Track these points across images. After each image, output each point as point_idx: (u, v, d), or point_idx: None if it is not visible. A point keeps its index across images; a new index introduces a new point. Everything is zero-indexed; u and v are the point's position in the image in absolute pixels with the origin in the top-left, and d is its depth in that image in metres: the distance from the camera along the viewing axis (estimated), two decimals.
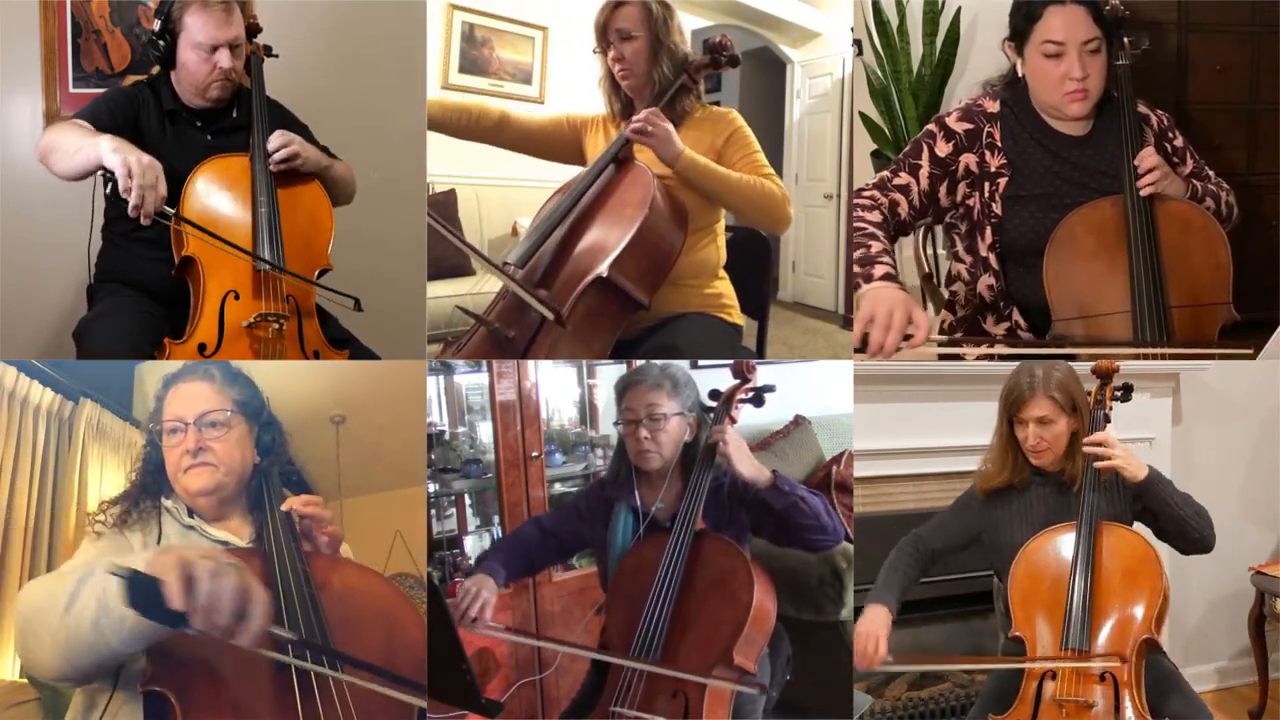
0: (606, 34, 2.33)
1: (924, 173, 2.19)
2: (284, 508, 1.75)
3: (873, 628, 1.95)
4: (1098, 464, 1.95)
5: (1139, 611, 1.89)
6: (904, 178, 2.20)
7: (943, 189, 2.21)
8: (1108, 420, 2.03)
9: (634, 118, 2.21)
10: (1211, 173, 2.32)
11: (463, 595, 1.89)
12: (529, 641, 1.95)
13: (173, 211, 2.13)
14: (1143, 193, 2.10)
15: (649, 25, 2.30)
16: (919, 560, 2.12)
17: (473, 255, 2.25)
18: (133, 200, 2.04)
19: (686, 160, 2.20)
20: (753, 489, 1.97)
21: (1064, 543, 1.97)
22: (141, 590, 1.32)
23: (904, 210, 2.19)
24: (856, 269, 2.03)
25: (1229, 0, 2.85)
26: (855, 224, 2.12)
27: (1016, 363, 2.25)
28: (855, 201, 2.19)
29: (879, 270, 2.00)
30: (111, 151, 2.06)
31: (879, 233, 2.11)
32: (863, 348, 1.93)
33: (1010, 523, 2.08)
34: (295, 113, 2.48)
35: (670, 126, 2.20)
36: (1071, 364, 2.08)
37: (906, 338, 1.91)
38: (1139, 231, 2.08)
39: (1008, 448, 2.08)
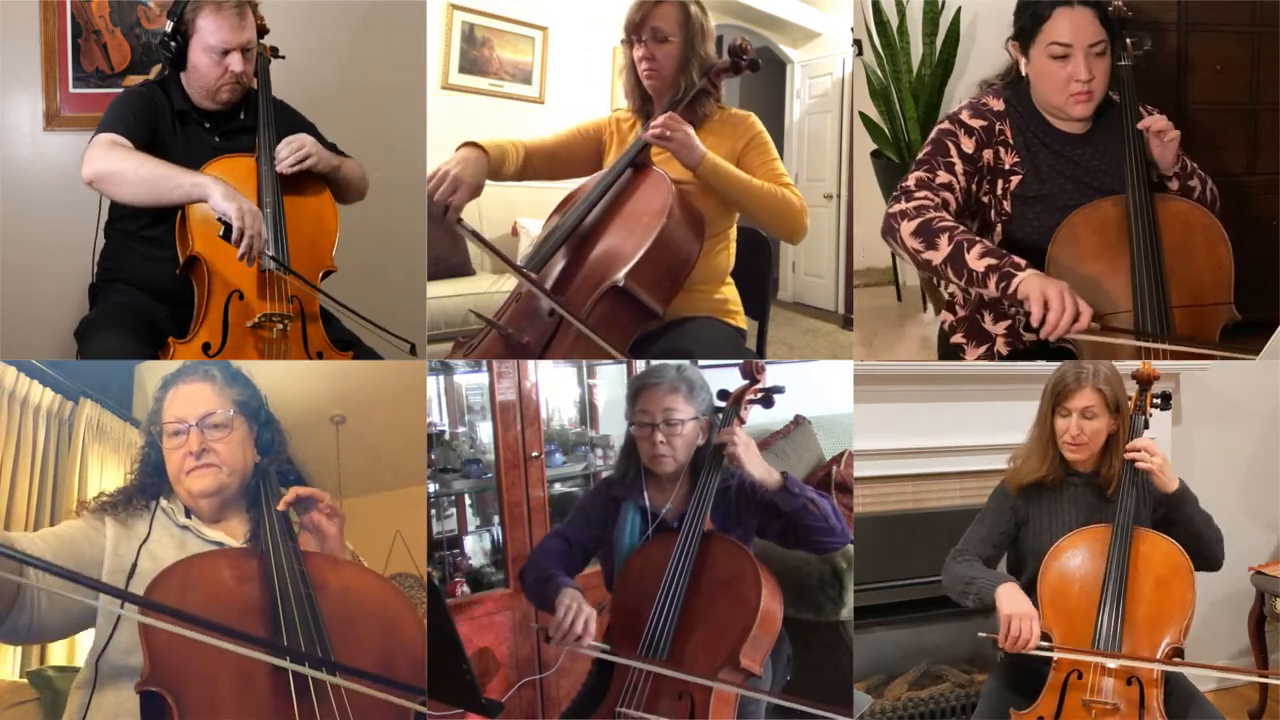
0: (640, 30, 2.25)
1: (959, 169, 2.15)
2: (280, 506, 1.75)
3: (1026, 608, 1.89)
4: (1138, 464, 1.95)
5: (1169, 621, 1.90)
6: (944, 176, 2.13)
7: (974, 184, 2.18)
8: (1147, 425, 2.03)
9: (653, 122, 2.17)
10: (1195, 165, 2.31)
11: (565, 612, 1.85)
12: (627, 661, 1.89)
13: (273, 257, 2.20)
14: (1145, 127, 2.11)
15: (686, 29, 2.24)
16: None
17: (512, 269, 2.19)
18: (243, 248, 2.11)
19: (709, 165, 2.17)
20: (761, 490, 1.96)
21: (1097, 545, 1.96)
22: None
23: (954, 208, 2.13)
24: (989, 260, 1.95)
25: (1229, 0, 2.85)
26: (938, 223, 2.02)
27: (1014, 363, 2.25)
28: (915, 205, 2.07)
29: (1020, 259, 1.96)
30: (224, 199, 2.12)
31: (962, 226, 2.05)
32: (1036, 329, 1.92)
33: (1040, 520, 2.08)
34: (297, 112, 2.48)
35: (690, 130, 2.16)
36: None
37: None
38: (1141, 231, 2.08)
39: (1047, 442, 2.07)
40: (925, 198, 2.09)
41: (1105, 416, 2.02)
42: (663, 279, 2.15)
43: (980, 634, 1.98)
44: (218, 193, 2.13)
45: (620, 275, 2.09)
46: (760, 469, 1.94)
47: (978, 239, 2.00)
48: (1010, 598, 1.92)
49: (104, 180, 2.18)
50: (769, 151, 2.30)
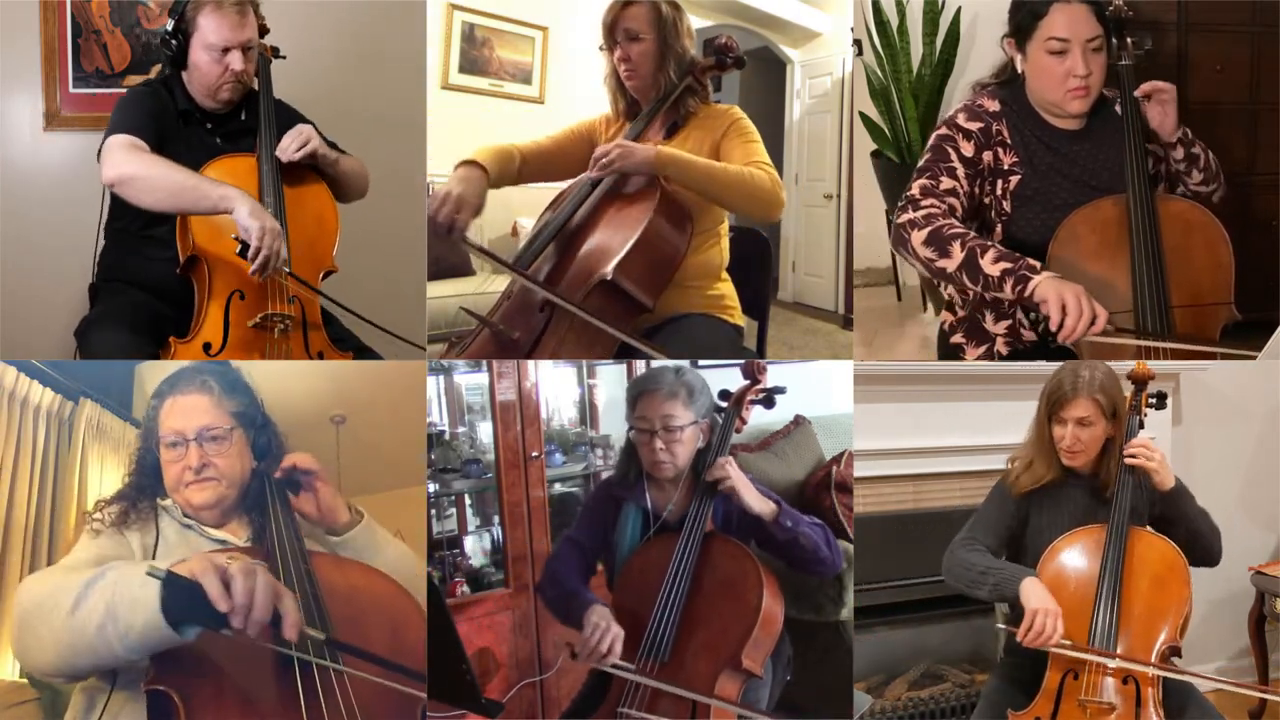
0: (614, 33, 2.29)
1: (961, 173, 2.14)
2: (277, 475, 1.77)
3: (1053, 604, 1.88)
4: (1132, 461, 1.95)
5: (1165, 619, 1.90)
6: (947, 182, 2.13)
7: (977, 188, 2.18)
8: (1142, 425, 2.04)
9: (593, 160, 2.18)
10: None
11: (593, 630, 1.84)
12: (647, 681, 1.88)
13: (288, 271, 2.16)
14: (1144, 93, 2.13)
15: (658, 27, 2.27)
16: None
17: (508, 269, 2.20)
18: (256, 265, 2.07)
19: (664, 157, 2.16)
20: (757, 519, 1.97)
21: (1093, 545, 1.97)
22: (179, 592, 1.32)
23: (960, 212, 2.13)
24: (1004, 265, 1.95)
25: (1229, 0, 2.86)
26: (949, 231, 2.02)
27: (1014, 363, 2.25)
28: (924, 214, 2.06)
29: (1034, 262, 1.96)
30: (249, 215, 2.08)
31: (971, 231, 2.04)
32: (1054, 332, 1.91)
33: (1039, 521, 2.08)
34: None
35: (624, 142, 2.18)
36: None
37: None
38: (1141, 230, 2.08)
39: (1044, 447, 2.07)
40: (932, 205, 2.08)
41: (1102, 423, 2.01)
42: (651, 272, 2.16)
43: (999, 625, 1.97)
44: (244, 210, 2.08)
45: (609, 269, 2.10)
46: (755, 500, 1.96)
47: (990, 244, 2.00)
48: (1038, 592, 1.92)
49: (128, 184, 2.14)
50: (747, 135, 2.28)
